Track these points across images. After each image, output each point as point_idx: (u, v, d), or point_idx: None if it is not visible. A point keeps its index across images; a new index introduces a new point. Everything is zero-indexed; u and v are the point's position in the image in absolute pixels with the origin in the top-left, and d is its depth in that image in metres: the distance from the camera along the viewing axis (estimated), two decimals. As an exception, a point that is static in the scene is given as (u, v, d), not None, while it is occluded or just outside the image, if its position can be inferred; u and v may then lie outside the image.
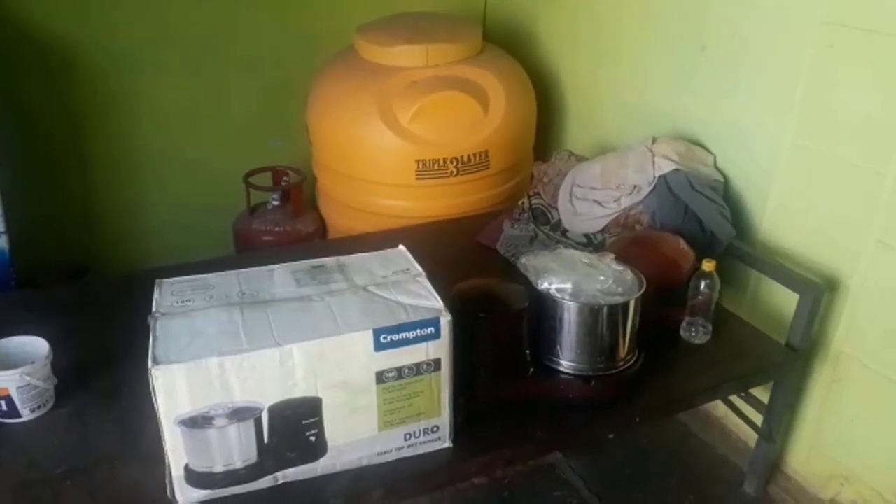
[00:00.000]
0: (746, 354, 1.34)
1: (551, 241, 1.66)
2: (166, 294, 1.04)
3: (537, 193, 1.77)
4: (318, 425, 0.98)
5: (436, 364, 1.01)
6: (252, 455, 0.96)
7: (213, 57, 2.07)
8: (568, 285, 1.14)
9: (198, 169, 2.17)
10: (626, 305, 1.14)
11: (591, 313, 1.12)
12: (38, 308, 1.40)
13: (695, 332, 1.35)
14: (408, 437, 1.04)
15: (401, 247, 1.19)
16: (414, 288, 1.06)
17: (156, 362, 0.88)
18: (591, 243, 1.61)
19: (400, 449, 1.05)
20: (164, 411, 0.90)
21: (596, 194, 1.60)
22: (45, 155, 2.03)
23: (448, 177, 1.85)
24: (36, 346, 1.15)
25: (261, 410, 0.94)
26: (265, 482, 0.99)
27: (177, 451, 0.93)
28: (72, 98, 2.00)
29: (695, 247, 1.41)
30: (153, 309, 1.00)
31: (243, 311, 0.99)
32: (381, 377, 0.98)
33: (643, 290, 1.16)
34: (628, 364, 1.19)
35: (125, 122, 2.09)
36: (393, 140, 1.77)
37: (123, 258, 2.19)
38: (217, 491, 0.97)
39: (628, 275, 1.18)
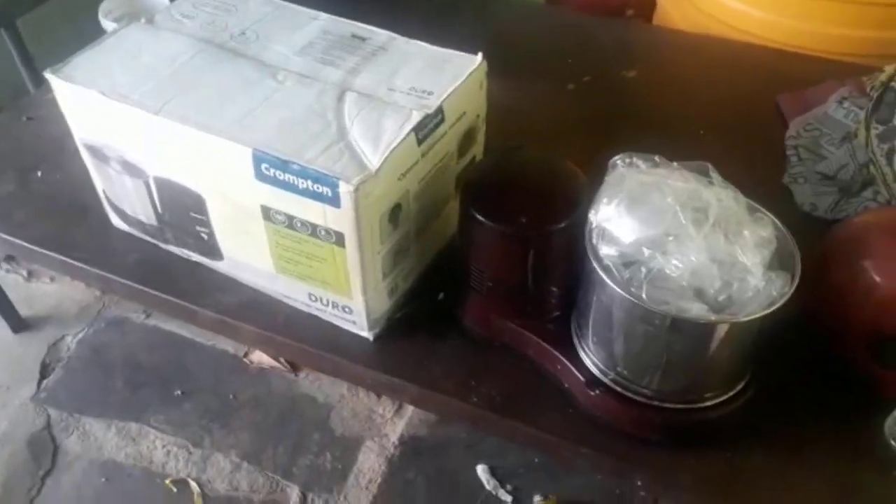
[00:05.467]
0: None
1: (867, 155, 0.95)
2: (188, 3, 0.87)
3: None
4: (208, 226, 0.79)
5: (337, 237, 0.69)
6: (152, 217, 0.84)
7: None
8: (627, 236, 0.62)
9: None
10: (699, 327, 0.60)
11: (622, 306, 0.62)
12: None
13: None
14: (313, 298, 0.79)
15: (479, 56, 0.78)
16: (393, 123, 0.69)
17: (54, 70, 0.77)
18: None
19: (308, 305, 0.81)
20: (71, 125, 0.81)
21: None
22: None
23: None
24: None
25: (147, 176, 0.78)
26: (174, 250, 0.87)
27: (93, 172, 0.85)
28: None
29: None
30: (123, 17, 0.86)
31: (200, 55, 0.78)
32: (267, 214, 0.71)
33: (770, 311, 0.58)
34: (681, 403, 0.66)
35: None
36: None
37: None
38: (137, 231, 0.89)
39: (764, 274, 0.59)
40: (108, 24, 1.11)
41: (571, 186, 0.72)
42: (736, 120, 1.06)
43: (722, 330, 0.60)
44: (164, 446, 1.08)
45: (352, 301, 0.76)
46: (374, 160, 0.66)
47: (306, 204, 0.68)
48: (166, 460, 1.07)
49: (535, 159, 0.78)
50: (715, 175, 0.66)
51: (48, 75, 0.76)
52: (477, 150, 0.84)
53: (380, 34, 0.83)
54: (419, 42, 0.81)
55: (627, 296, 0.60)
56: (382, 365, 0.77)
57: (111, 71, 0.76)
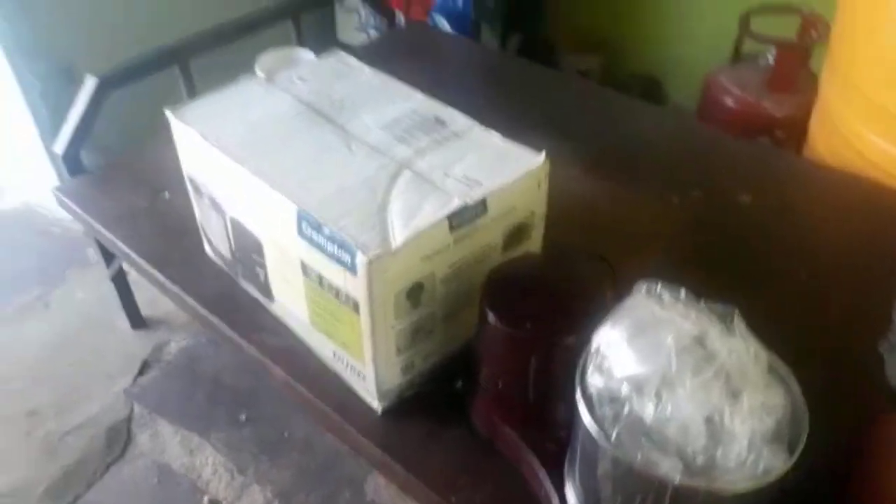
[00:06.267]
0: None
1: None
2: (309, 68, 0.97)
3: None
4: (264, 268, 0.85)
5: (354, 304, 0.71)
6: (228, 252, 0.92)
7: None
8: (619, 368, 0.58)
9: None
10: (666, 487, 0.54)
11: (593, 442, 0.57)
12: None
13: None
14: (336, 356, 0.81)
15: (542, 155, 0.78)
16: (431, 206, 0.72)
17: (174, 108, 0.88)
18: None
19: (334, 363, 0.83)
20: (181, 158, 0.92)
21: None
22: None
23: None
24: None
25: (226, 215, 0.86)
26: (244, 285, 0.94)
27: (193, 202, 0.96)
28: None
29: None
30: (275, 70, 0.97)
31: (297, 116, 0.86)
32: (305, 269, 0.76)
33: (751, 489, 0.52)
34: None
35: None
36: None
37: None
38: (219, 261, 0.97)
39: (753, 444, 0.53)
40: (261, 76, 1.24)
41: (600, 301, 0.69)
42: (847, 269, 0.96)
43: (691, 496, 0.54)
44: (213, 464, 1.15)
45: (365, 368, 0.78)
46: (398, 237, 0.69)
47: (332, 267, 0.71)
48: (211, 479, 1.14)
49: (578, 265, 0.76)
50: (739, 324, 0.60)
51: (167, 112, 0.88)
52: (532, 245, 0.84)
53: (461, 120, 0.86)
54: (495, 133, 0.83)
55: (594, 432, 0.56)
56: (381, 439, 0.77)
57: (218, 117, 0.86)
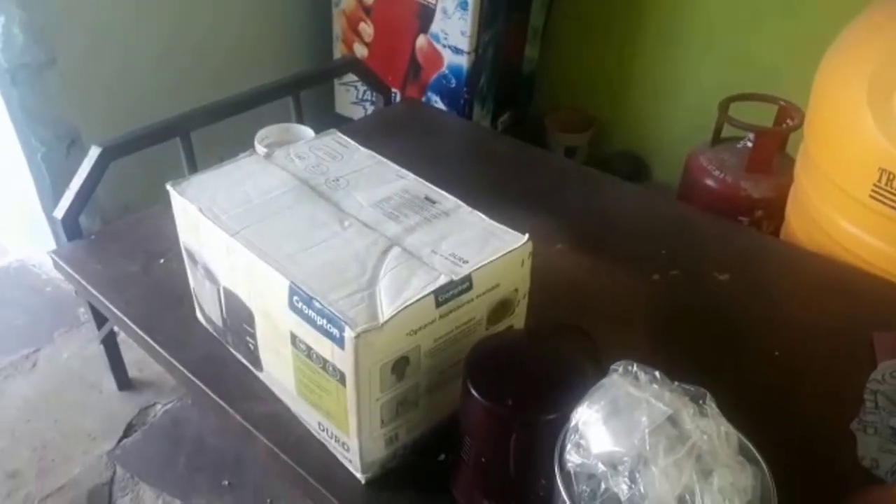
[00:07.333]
0: None
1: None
2: (306, 146, 1.01)
3: None
4: (254, 338, 0.87)
5: (341, 376, 0.74)
6: (220, 320, 0.94)
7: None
8: (595, 446, 0.61)
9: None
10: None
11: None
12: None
13: None
14: (322, 427, 0.83)
15: (525, 236, 0.82)
16: (419, 282, 0.75)
17: (175, 183, 0.92)
18: None
19: (318, 432, 0.85)
20: (178, 229, 0.95)
21: None
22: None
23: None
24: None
25: (220, 285, 0.89)
26: (234, 352, 0.96)
27: (188, 270, 0.98)
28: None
29: None
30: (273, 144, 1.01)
31: (291, 192, 0.90)
32: (294, 340, 0.78)
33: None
34: None
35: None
36: (865, 124, 1.07)
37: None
38: (210, 328, 1.00)
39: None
40: (260, 150, 1.29)
41: (583, 380, 0.71)
42: (821, 349, 0.99)
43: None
44: (193, 531, 1.15)
45: (349, 440, 0.79)
46: (385, 312, 0.71)
47: (321, 339, 0.74)
48: (191, 545, 1.13)
49: (561, 340, 0.79)
50: (711, 405, 0.63)
51: (168, 186, 0.91)
52: (515, 321, 0.86)
53: (449, 200, 0.90)
54: (480, 214, 0.87)
55: (573, 509, 0.58)
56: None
57: (215, 192, 0.90)
